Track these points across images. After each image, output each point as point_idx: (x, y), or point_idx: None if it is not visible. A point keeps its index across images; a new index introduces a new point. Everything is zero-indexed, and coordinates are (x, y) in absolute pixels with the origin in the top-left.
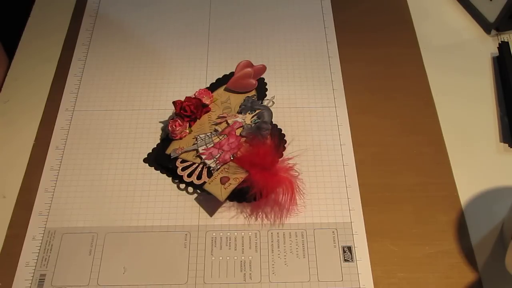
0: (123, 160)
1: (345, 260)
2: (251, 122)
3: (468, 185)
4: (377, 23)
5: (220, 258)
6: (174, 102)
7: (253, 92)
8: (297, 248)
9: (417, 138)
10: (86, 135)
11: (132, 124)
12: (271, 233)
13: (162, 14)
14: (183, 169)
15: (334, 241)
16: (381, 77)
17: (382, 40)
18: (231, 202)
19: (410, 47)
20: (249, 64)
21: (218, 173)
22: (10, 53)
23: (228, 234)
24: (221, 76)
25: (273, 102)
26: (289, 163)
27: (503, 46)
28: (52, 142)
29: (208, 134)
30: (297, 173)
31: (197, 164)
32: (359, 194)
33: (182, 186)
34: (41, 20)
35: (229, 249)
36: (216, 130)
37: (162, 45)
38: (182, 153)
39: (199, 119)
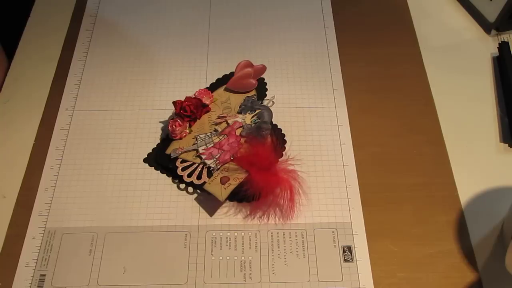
0: (123, 160)
1: (345, 260)
2: (251, 122)
3: (468, 185)
4: (377, 23)
5: (220, 258)
6: (174, 102)
7: (253, 92)
8: (297, 248)
9: (417, 138)
10: (86, 135)
11: (132, 124)
12: (271, 233)
13: (162, 14)
14: (183, 169)
15: (334, 241)
16: (381, 77)
17: (382, 40)
18: (231, 202)
19: (410, 47)
20: (249, 64)
21: (218, 173)
22: (10, 53)
23: (228, 234)
24: (221, 76)
25: (273, 102)
26: (289, 163)
27: (503, 46)
28: (52, 142)
29: (208, 134)
30: (297, 173)
31: (197, 164)
32: (359, 194)
33: (182, 186)
34: (41, 20)
35: (229, 249)
36: (216, 130)
37: (162, 45)
38: (182, 153)
39: (199, 119)
